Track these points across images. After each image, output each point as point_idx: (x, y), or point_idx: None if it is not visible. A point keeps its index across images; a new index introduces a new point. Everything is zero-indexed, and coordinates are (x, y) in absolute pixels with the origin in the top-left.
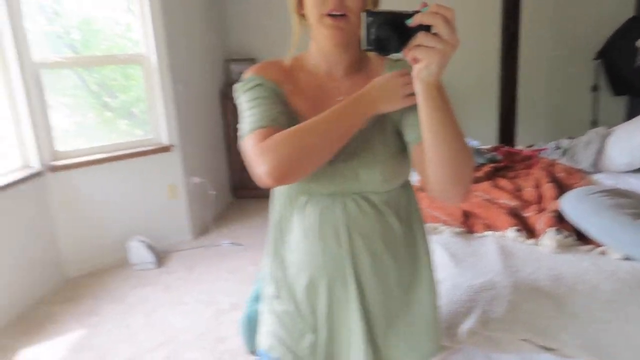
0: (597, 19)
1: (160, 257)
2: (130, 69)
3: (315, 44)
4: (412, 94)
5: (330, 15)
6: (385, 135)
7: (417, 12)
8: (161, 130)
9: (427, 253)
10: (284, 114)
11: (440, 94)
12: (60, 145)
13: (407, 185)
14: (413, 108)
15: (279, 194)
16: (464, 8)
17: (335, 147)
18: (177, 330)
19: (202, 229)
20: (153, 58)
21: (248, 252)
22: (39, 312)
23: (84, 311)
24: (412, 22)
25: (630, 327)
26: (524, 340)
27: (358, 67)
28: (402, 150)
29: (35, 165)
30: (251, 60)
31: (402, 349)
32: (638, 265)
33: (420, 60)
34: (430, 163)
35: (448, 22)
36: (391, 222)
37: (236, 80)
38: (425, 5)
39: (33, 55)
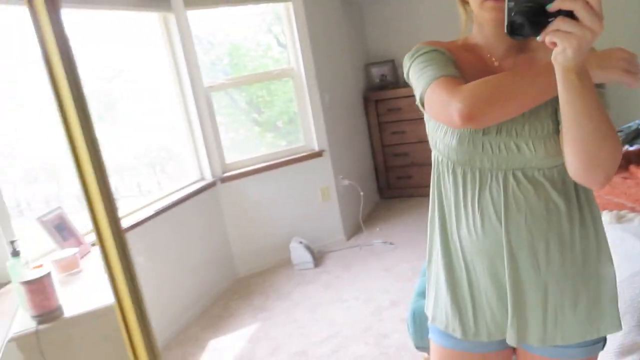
0: None
1: (317, 257)
2: (273, 85)
3: (477, 28)
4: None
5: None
6: (543, 118)
7: None
8: (312, 137)
9: (601, 232)
10: (459, 74)
11: (579, 78)
12: (229, 158)
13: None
14: None
15: (438, 171)
16: None
17: (534, 100)
18: (340, 325)
19: (354, 230)
20: (301, 71)
21: (399, 251)
22: (219, 308)
23: (256, 306)
24: (552, 7)
25: None
26: None
27: (520, 48)
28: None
29: (209, 177)
30: (390, 62)
31: (578, 324)
32: None
33: (556, 45)
34: (567, 144)
35: (590, 7)
36: (554, 198)
37: (377, 83)
38: None
39: (204, 80)
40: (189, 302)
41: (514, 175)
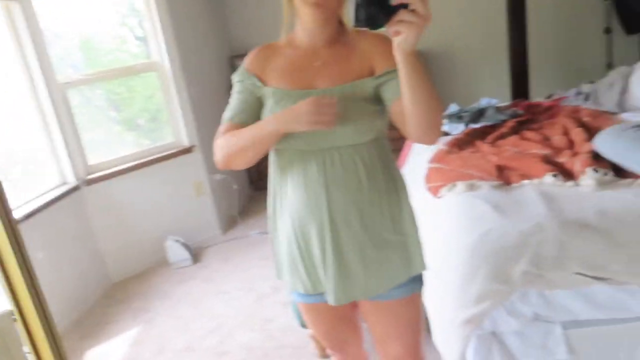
0: None
1: (195, 253)
2: (132, 81)
3: (300, 22)
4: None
5: None
6: (357, 101)
7: None
8: (181, 133)
9: (404, 198)
10: (249, 109)
11: (416, 59)
12: (91, 159)
13: (379, 140)
14: (390, 74)
15: (272, 153)
16: None
17: (258, 150)
18: (224, 317)
19: (230, 223)
20: (166, 65)
21: None
22: (95, 316)
23: (136, 309)
24: (394, 2)
25: None
26: (577, 274)
27: (337, 38)
28: (374, 110)
29: (72, 180)
30: None
31: (394, 271)
32: None
33: (401, 33)
34: (410, 114)
35: (423, 1)
36: (363, 173)
37: None
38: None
39: (59, 76)
40: (62, 314)
41: (331, 154)
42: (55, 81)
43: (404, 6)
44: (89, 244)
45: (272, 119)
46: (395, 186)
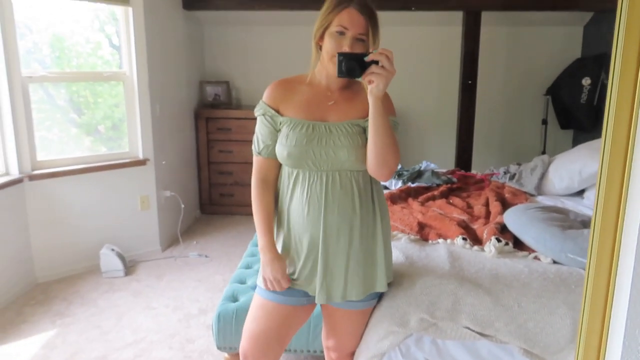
0: (548, 59)
1: (130, 265)
2: (100, 86)
3: (323, 68)
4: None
5: None
6: (355, 135)
7: (370, 52)
8: (137, 145)
9: (384, 225)
10: (273, 142)
11: (382, 105)
12: (41, 156)
13: (362, 174)
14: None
15: (284, 170)
16: (428, 47)
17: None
18: (146, 332)
19: (171, 241)
20: (134, 77)
21: (214, 263)
22: (11, 313)
23: (55, 312)
24: (367, 59)
25: (553, 317)
26: (466, 328)
27: (348, 85)
28: (363, 145)
29: (15, 172)
30: (225, 83)
31: (364, 284)
32: (563, 268)
33: (373, 82)
34: (370, 149)
35: (389, 58)
36: (357, 196)
37: (210, 101)
38: (375, 49)
39: (22, 69)
40: None
41: (332, 176)
42: (20, 73)
43: (375, 62)
44: (21, 239)
45: (263, 252)
46: (380, 211)
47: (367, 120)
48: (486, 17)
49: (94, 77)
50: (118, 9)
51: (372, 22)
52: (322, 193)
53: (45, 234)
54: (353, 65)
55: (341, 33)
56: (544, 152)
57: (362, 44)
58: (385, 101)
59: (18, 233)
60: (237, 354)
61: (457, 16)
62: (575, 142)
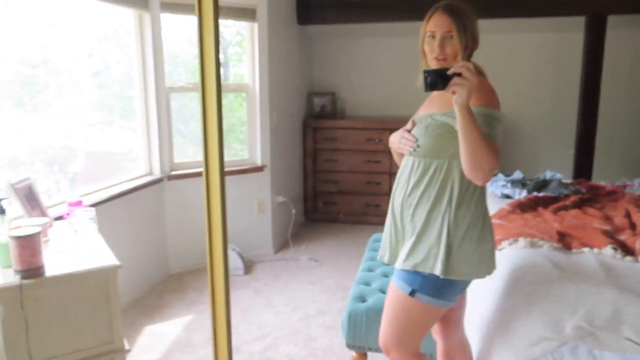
0: None
1: (247, 265)
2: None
3: None
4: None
5: (436, 58)
6: (422, 129)
7: (451, 67)
8: (257, 152)
9: (446, 210)
10: None
11: (468, 111)
12: (176, 158)
13: (451, 161)
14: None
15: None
16: (545, 54)
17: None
18: (271, 328)
19: (282, 245)
20: (256, 88)
21: (324, 267)
22: (153, 298)
23: (190, 300)
24: (450, 72)
25: None
26: (628, 339)
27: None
28: (434, 137)
29: (157, 173)
30: (331, 94)
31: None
32: None
33: (456, 92)
34: (462, 155)
35: (470, 70)
36: (425, 178)
37: (317, 112)
38: (458, 55)
39: (166, 81)
40: (123, 289)
41: (416, 161)
42: (164, 84)
43: (457, 74)
44: (159, 233)
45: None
46: (440, 200)
47: (444, 114)
48: (611, 20)
49: (223, 89)
50: (244, 25)
51: (457, 19)
52: (406, 174)
53: (178, 229)
54: (436, 79)
55: (432, 37)
56: None
57: (452, 41)
58: (482, 92)
59: (157, 228)
60: (365, 354)
61: (579, 21)
62: None
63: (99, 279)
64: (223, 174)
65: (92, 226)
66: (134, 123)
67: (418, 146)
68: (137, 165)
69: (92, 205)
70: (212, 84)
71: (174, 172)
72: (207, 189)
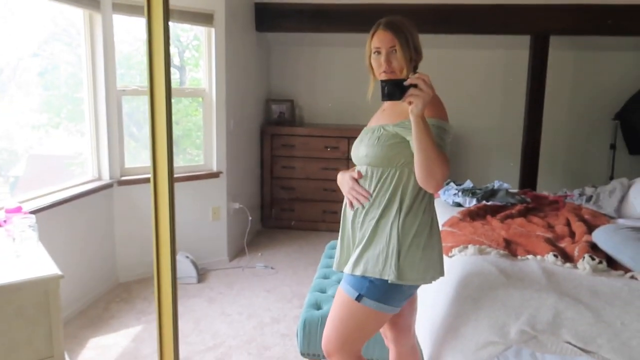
0: (617, 83)
1: (201, 273)
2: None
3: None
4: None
5: (384, 72)
6: (374, 139)
7: (408, 77)
8: (212, 158)
9: (395, 218)
10: None
11: (422, 121)
12: (127, 163)
13: (402, 169)
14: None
15: None
16: (493, 70)
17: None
18: (224, 337)
19: (237, 252)
20: (213, 93)
21: (280, 275)
22: (98, 309)
23: (139, 310)
24: (406, 83)
25: None
26: (567, 342)
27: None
28: (386, 147)
29: (106, 178)
30: (290, 102)
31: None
32: None
33: (412, 103)
34: (416, 164)
35: (425, 82)
36: (376, 187)
37: (275, 118)
38: (413, 73)
39: (117, 83)
40: (67, 300)
41: (366, 170)
42: (116, 86)
43: (414, 86)
44: (107, 240)
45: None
46: (390, 208)
47: (396, 125)
48: (554, 41)
49: (179, 93)
50: (201, 30)
51: (399, 34)
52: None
53: (128, 236)
54: (393, 90)
55: (378, 52)
56: (611, 177)
57: (396, 55)
58: (432, 105)
59: (105, 235)
60: None
61: (525, 40)
62: None
63: (39, 289)
64: (172, 180)
65: (31, 234)
66: (83, 126)
67: (372, 202)
68: (85, 169)
69: (35, 212)
70: (161, 88)
71: (124, 177)
72: (154, 195)
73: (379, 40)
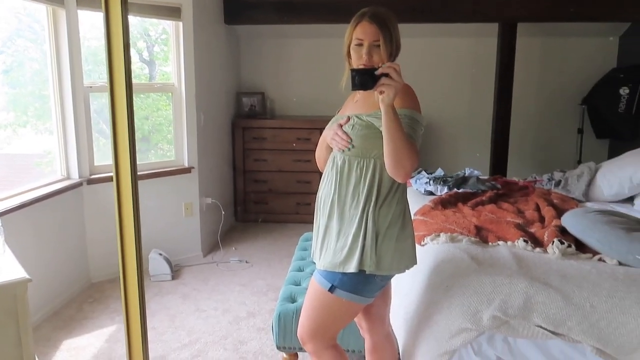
0: (583, 69)
1: (175, 270)
2: (137, 97)
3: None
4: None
5: (364, 65)
6: (348, 127)
7: (380, 67)
8: (184, 154)
9: (367, 209)
10: None
11: (392, 110)
12: (97, 161)
13: (376, 160)
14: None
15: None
16: (463, 57)
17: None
18: (199, 333)
19: (211, 247)
20: (182, 88)
21: (255, 269)
22: (71, 309)
23: (113, 310)
24: (378, 72)
25: (626, 317)
26: (538, 326)
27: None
28: (360, 137)
29: (75, 177)
30: (261, 94)
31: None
32: (631, 270)
33: (383, 92)
34: (386, 154)
35: (396, 71)
36: (350, 178)
37: (246, 112)
38: (384, 62)
39: (85, 79)
40: (39, 302)
41: (341, 158)
42: (82, 83)
43: (385, 75)
44: (77, 240)
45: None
46: (364, 199)
47: (369, 115)
48: (521, 28)
49: (147, 89)
50: (169, 24)
51: (384, 29)
52: (331, 170)
53: (99, 235)
54: (365, 79)
55: (359, 44)
56: (579, 161)
57: (378, 49)
58: (406, 96)
59: (76, 235)
60: (296, 354)
61: (493, 27)
62: (612, 150)
63: (5, 294)
64: (135, 177)
65: None
66: (51, 124)
67: (353, 146)
68: (54, 168)
69: (2, 214)
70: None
71: (94, 176)
72: (117, 194)
73: (362, 32)
